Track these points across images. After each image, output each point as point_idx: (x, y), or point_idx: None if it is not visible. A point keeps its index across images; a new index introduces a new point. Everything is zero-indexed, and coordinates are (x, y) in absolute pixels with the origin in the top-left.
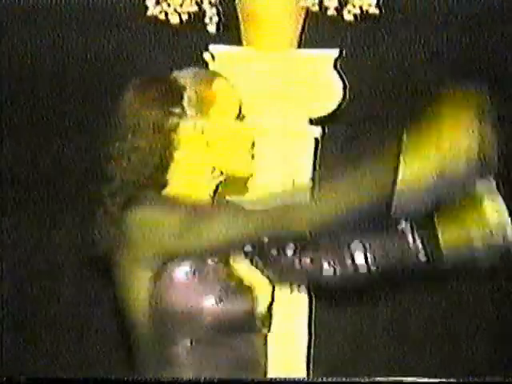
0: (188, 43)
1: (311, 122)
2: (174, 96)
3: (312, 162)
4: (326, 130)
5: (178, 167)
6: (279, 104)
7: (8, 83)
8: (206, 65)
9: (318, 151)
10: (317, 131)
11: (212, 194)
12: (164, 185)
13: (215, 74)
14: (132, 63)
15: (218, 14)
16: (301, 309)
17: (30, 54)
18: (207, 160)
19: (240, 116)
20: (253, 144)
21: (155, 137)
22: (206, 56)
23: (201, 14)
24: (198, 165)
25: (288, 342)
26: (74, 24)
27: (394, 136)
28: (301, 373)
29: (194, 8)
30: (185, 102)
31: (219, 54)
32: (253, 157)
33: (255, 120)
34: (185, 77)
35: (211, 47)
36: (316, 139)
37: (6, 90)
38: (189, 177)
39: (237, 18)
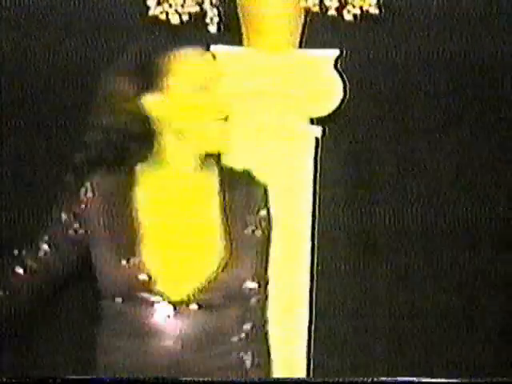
0: (189, 43)
1: (311, 121)
2: (140, 69)
3: (312, 162)
4: (326, 130)
5: (156, 143)
6: (279, 104)
7: (7, 82)
8: None
9: (318, 151)
10: (317, 131)
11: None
12: (141, 159)
13: (190, 50)
14: None
15: (219, 14)
16: (301, 309)
17: (29, 55)
18: (178, 136)
19: (205, 88)
20: (226, 118)
21: (126, 109)
22: None
23: (202, 14)
24: (172, 141)
25: (288, 342)
26: (75, 24)
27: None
28: (301, 373)
29: (195, 8)
30: (149, 76)
31: (220, 55)
32: (226, 132)
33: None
34: (158, 54)
35: (212, 47)
36: (316, 139)
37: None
38: (165, 153)
39: (238, 18)
